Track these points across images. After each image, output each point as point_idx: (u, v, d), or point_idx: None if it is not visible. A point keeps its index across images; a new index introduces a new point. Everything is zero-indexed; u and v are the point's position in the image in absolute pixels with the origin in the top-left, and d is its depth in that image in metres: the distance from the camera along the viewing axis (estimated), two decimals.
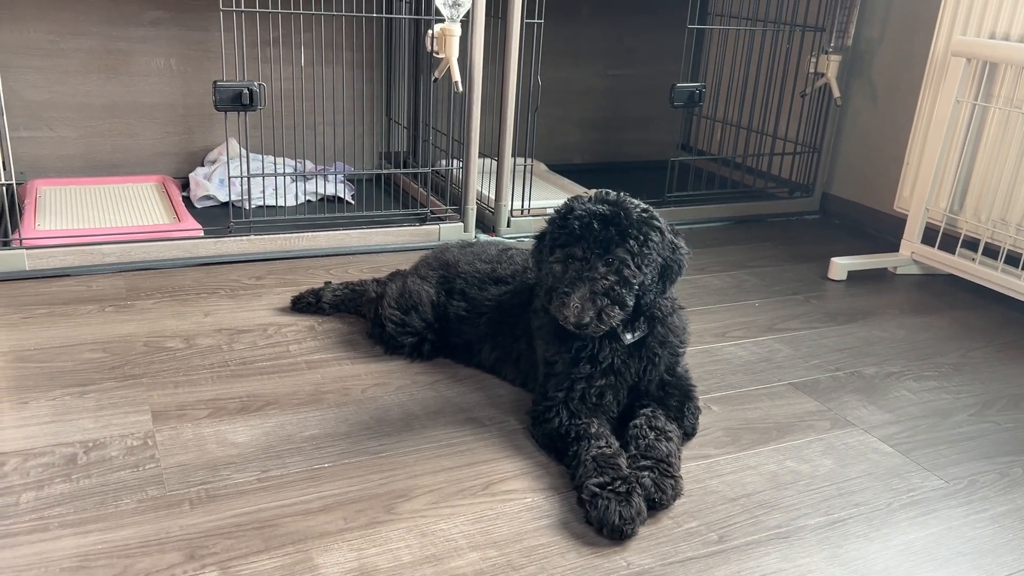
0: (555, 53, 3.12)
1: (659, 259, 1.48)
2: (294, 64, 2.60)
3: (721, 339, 2.07)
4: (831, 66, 2.92)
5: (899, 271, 2.61)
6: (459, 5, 2.29)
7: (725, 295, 2.36)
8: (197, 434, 1.53)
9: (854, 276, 2.55)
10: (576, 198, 1.51)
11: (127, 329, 1.93)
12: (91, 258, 2.22)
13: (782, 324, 2.18)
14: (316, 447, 1.52)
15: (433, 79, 2.45)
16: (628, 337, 1.53)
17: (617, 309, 1.44)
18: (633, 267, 1.44)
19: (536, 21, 2.51)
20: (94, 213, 2.49)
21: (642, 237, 1.45)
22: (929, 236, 2.56)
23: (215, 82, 2.21)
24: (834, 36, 2.93)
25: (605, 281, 1.43)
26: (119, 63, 2.79)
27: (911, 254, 2.58)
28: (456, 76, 2.37)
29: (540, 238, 1.60)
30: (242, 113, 2.28)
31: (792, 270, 2.60)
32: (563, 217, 1.49)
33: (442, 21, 2.35)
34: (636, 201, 1.50)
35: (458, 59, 2.37)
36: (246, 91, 2.21)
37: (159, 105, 2.88)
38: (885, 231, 2.96)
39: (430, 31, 2.37)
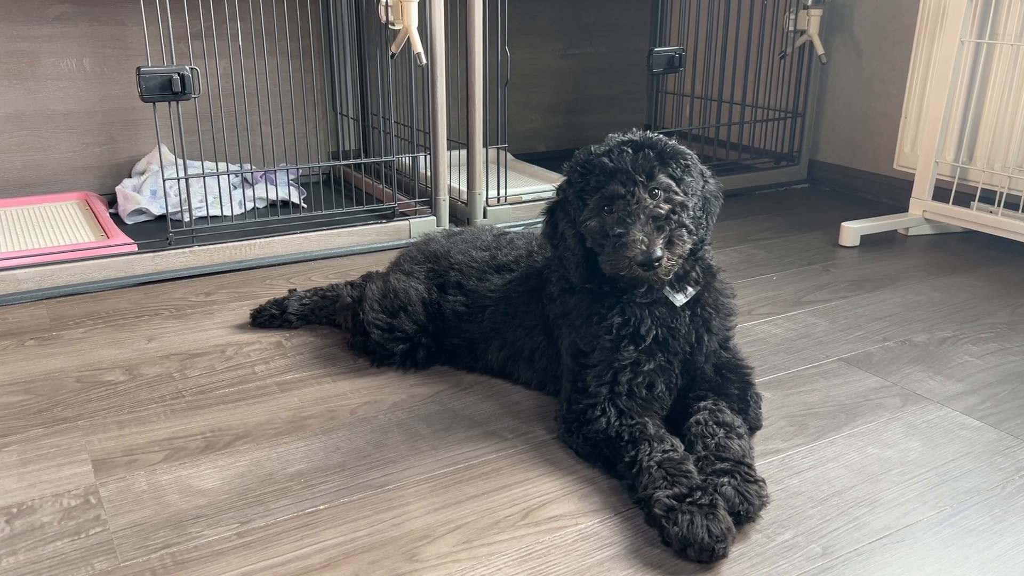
0: (510, 32, 2.87)
1: (699, 189, 1.28)
2: (228, 58, 2.28)
3: (750, 317, 1.82)
4: (812, 22, 2.73)
5: (911, 232, 2.41)
6: None
7: (737, 271, 2.12)
8: (153, 483, 1.22)
9: (865, 241, 2.34)
10: (587, 146, 1.29)
11: (54, 364, 1.59)
12: (4, 286, 1.87)
13: (809, 296, 1.95)
14: (306, 485, 1.22)
15: (391, 55, 2.16)
16: (679, 298, 1.29)
17: (687, 234, 1.21)
18: (681, 193, 1.24)
19: None
20: (5, 237, 2.14)
21: (683, 161, 1.26)
22: (937, 193, 2.36)
23: (139, 68, 1.89)
24: None
25: (661, 208, 1.20)
26: (23, 66, 2.44)
27: (923, 213, 2.38)
28: (418, 47, 2.09)
29: (552, 208, 1.35)
30: (173, 107, 1.96)
31: (798, 240, 2.38)
32: (586, 162, 1.26)
33: None
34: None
35: (417, 28, 2.09)
36: (176, 76, 1.89)
37: (74, 113, 2.53)
38: (882, 194, 2.77)
39: (383, 0, 2.09)
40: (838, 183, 2.93)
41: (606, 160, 1.23)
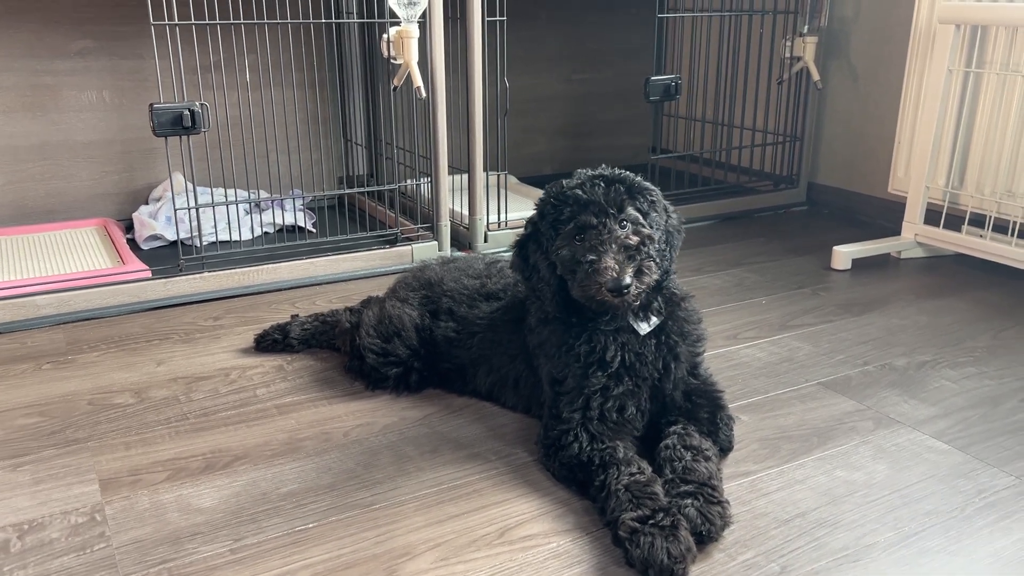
0: (515, 59, 2.95)
1: (663, 224, 1.36)
2: (239, 89, 2.38)
3: (734, 341, 1.88)
4: (808, 49, 2.79)
5: (903, 255, 2.46)
6: (415, 4, 2.10)
7: (728, 294, 2.18)
8: (155, 502, 1.30)
9: (858, 264, 2.39)
10: (559, 181, 1.37)
11: (68, 387, 1.69)
12: (24, 311, 1.97)
13: (795, 320, 2.01)
14: (297, 505, 1.29)
15: (392, 87, 2.25)
16: (643, 327, 1.35)
17: (654, 265, 1.29)
18: (648, 226, 1.32)
19: (498, 19, 2.33)
20: (27, 263, 2.24)
21: (649, 197, 1.35)
22: (930, 217, 2.41)
23: (151, 105, 1.99)
24: (808, 17, 2.79)
25: (631, 239, 1.28)
26: (46, 99, 2.56)
27: (915, 236, 2.43)
28: (418, 81, 2.18)
29: (523, 242, 1.43)
30: (185, 139, 2.06)
31: (791, 263, 2.43)
32: (559, 194, 1.34)
33: (397, 24, 2.16)
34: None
35: (418, 63, 2.17)
36: (187, 112, 1.99)
37: (94, 142, 2.65)
38: (878, 216, 2.82)
39: (385, 36, 2.19)
40: (836, 205, 2.98)
41: (579, 192, 1.31)
